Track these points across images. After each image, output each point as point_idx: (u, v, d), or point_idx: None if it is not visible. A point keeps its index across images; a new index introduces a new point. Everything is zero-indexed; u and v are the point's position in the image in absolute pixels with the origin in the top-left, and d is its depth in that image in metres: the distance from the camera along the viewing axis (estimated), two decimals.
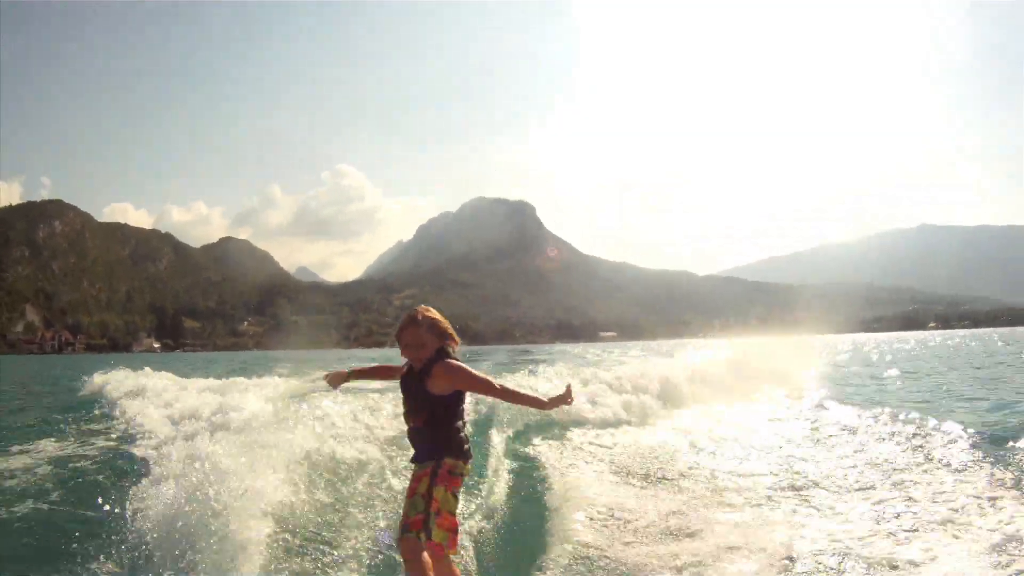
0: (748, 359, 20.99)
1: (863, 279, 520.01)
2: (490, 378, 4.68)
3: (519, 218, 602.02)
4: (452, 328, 4.72)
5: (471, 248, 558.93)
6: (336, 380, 5.14)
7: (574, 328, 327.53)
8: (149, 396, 13.83)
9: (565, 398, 4.61)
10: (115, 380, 17.02)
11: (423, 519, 4.44)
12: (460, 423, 4.70)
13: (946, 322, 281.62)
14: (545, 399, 4.67)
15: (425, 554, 4.43)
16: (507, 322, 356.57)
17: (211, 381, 16.39)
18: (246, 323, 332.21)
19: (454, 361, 4.57)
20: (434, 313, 4.70)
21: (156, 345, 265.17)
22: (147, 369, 19.01)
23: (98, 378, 18.03)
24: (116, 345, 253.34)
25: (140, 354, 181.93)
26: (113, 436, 10.62)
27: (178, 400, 12.97)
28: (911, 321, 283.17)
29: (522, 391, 4.80)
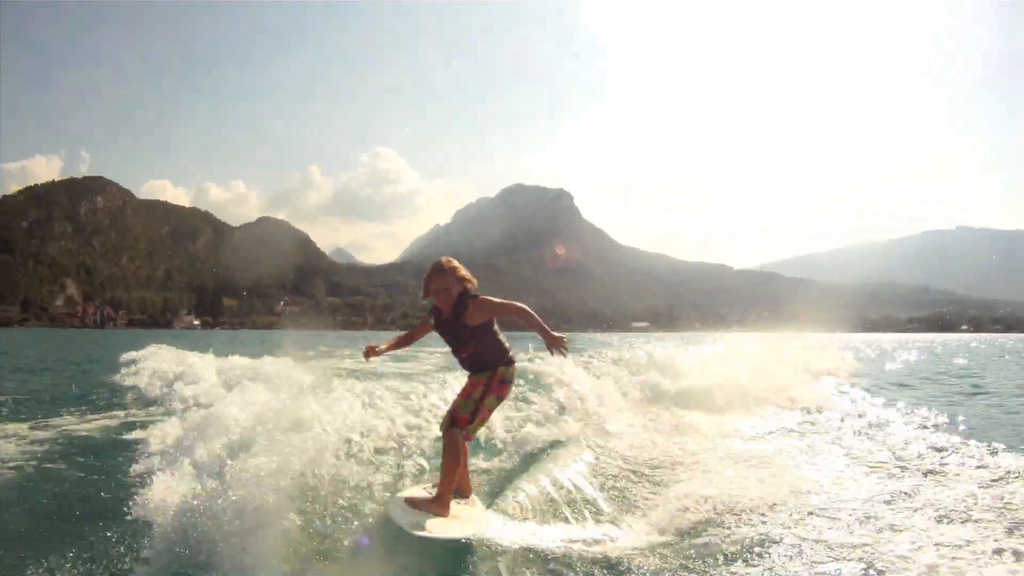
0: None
1: (900, 279, 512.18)
2: (512, 301, 5.62)
3: (556, 206, 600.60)
4: (468, 272, 5.66)
5: (508, 234, 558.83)
6: (376, 352, 5.98)
7: (607, 317, 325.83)
8: (186, 376, 13.29)
9: (562, 344, 5.35)
10: (155, 357, 16.71)
11: (469, 419, 5.60)
12: (499, 337, 5.73)
13: (979, 325, 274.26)
14: (551, 333, 5.41)
15: (462, 446, 5.66)
16: (540, 309, 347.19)
17: (247, 360, 15.69)
18: (283, 303, 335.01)
19: (481, 297, 5.60)
20: (455, 263, 5.65)
21: (196, 322, 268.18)
22: (188, 354, 17.94)
23: (137, 354, 17.62)
24: (156, 321, 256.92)
25: (181, 331, 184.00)
26: (141, 414, 10.39)
27: (209, 378, 12.50)
28: (944, 323, 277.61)
29: (537, 317, 5.51)
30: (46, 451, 7.71)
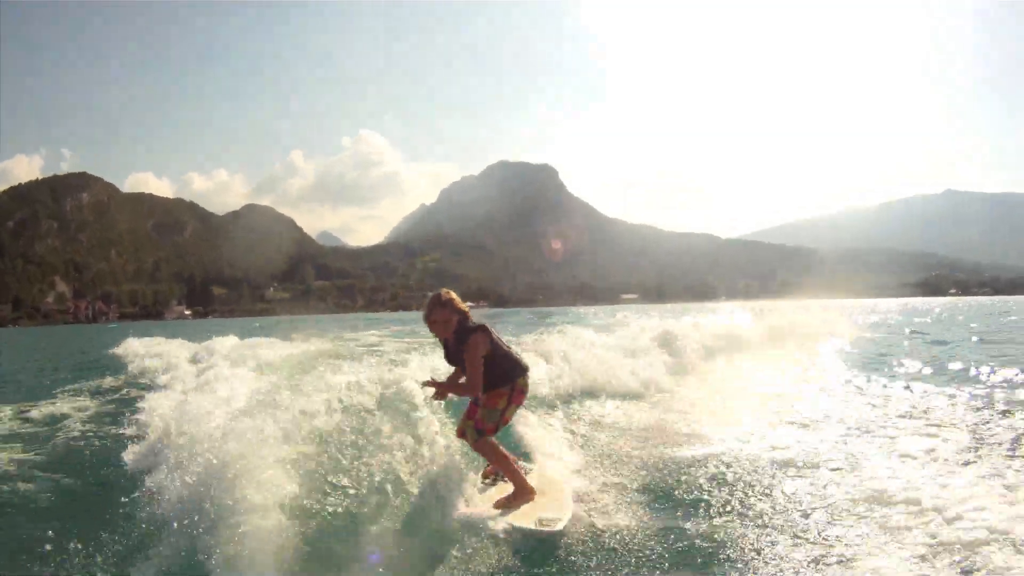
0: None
1: (887, 244, 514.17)
2: (476, 378, 5.82)
3: (542, 181, 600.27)
4: (464, 305, 6.03)
5: (494, 212, 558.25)
6: (438, 386, 6.05)
7: (596, 291, 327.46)
8: (173, 362, 13.59)
9: (442, 394, 6.07)
10: (141, 348, 16.93)
11: (494, 429, 6.02)
12: (507, 352, 6.11)
13: (966, 288, 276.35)
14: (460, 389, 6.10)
15: (495, 446, 6.08)
16: (529, 285, 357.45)
17: (236, 341, 16.30)
18: (272, 289, 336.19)
19: (471, 339, 5.85)
20: (452, 294, 5.99)
21: (187, 312, 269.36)
22: (175, 340, 18.57)
23: (123, 346, 17.74)
24: (148, 313, 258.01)
25: (173, 322, 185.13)
26: (130, 403, 10.20)
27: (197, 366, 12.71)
28: (932, 287, 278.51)
29: (463, 391, 6.08)
30: (38, 447, 7.81)
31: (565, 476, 6.61)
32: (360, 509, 5.37)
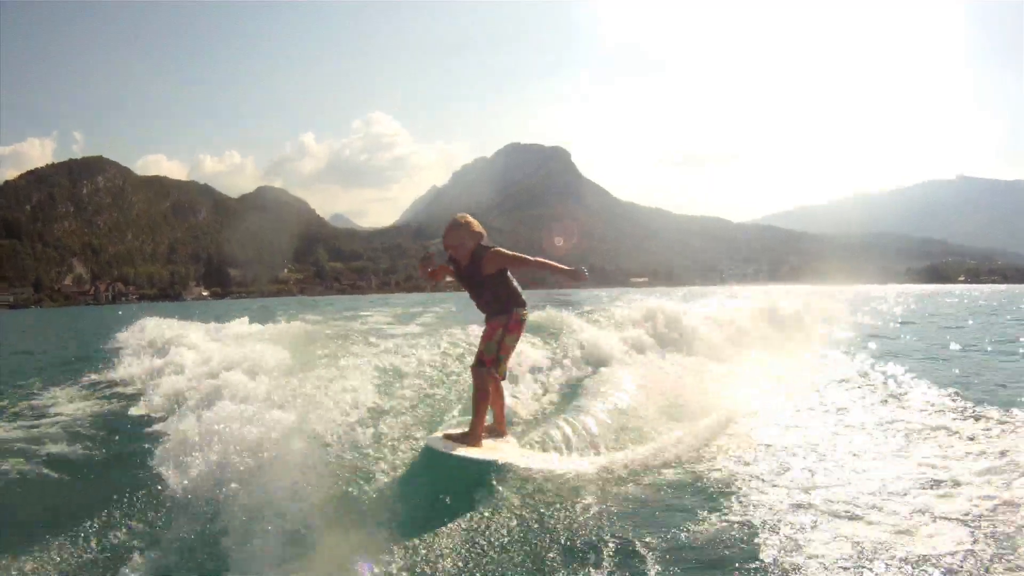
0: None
1: (898, 230, 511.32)
2: (523, 255, 6.34)
3: (554, 164, 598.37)
4: (481, 227, 6.33)
5: (506, 194, 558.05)
6: (433, 270, 6.67)
7: (606, 273, 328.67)
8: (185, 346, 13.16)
9: (581, 275, 6.23)
10: (154, 329, 16.24)
11: (495, 359, 6.23)
12: (513, 284, 6.38)
13: (976, 276, 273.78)
14: (567, 269, 6.24)
15: (490, 385, 6.28)
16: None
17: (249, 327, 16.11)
18: (285, 270, 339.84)
19: (496, 248, 6.22)
20: (469, 218, 6.32)
21: (205, 293, 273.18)
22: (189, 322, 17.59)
23: (134, 329, 16.90)
24: (167, 294, 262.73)
25: (192, 302, 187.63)
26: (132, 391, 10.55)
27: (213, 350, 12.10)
28: (940, 274, 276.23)
29: (549, 262, 6.33)
30: (45, 435, 7.81)
31: (521, 455, 6.22)
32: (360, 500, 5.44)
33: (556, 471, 5.86)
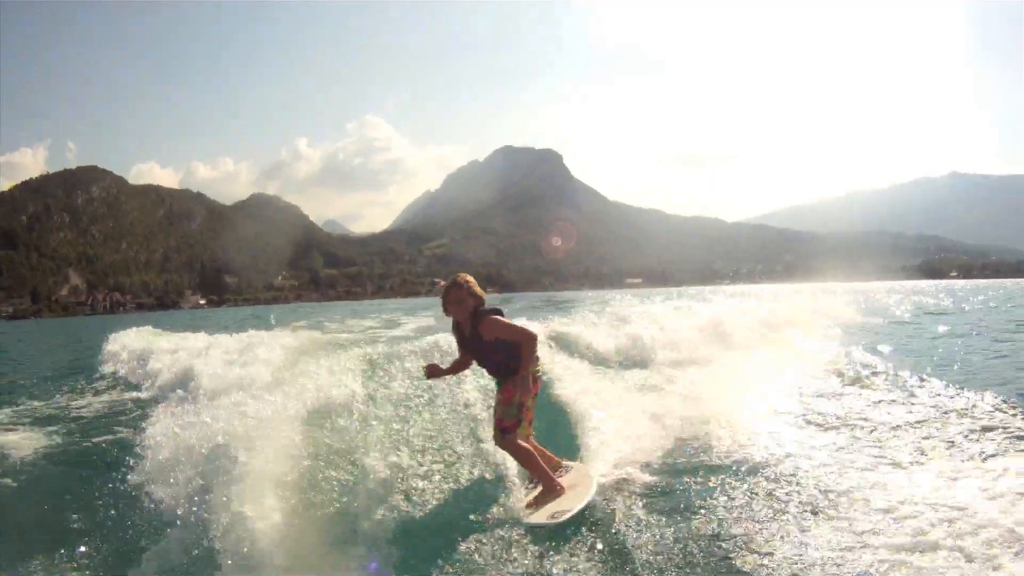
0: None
1: (892, 227, 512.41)
2: (519, 329, 5.97)
3: (546, 167, 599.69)
4: (481, 290, 6.01)
5: (500, 197, 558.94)
6: (436, 373, 6.35)
7: (601, 275, 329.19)
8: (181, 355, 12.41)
9: (523, 394, 5.86)
10: (140, 340, 15.49)
11: (516, 423, 5.91)
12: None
13: (968, 272, 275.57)
14: (523, 378, 5.82)
15: (523, 443, 6.01)
16: (536, 270, 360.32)
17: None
18: (280, 277, 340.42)
19: (495, 317, 5.91)
20: (469, 278, 5.99)
21: (202, 301, 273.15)
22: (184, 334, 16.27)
23: (116, 340, 16.05)
24: (164, 303, 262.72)
25: (190, 311, 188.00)
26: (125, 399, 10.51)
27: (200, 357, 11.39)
28: (933, 271, 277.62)
29: (529, 355, 5.84)
30: (45, 442, 7.76)
31: (602, 468, 6.50)
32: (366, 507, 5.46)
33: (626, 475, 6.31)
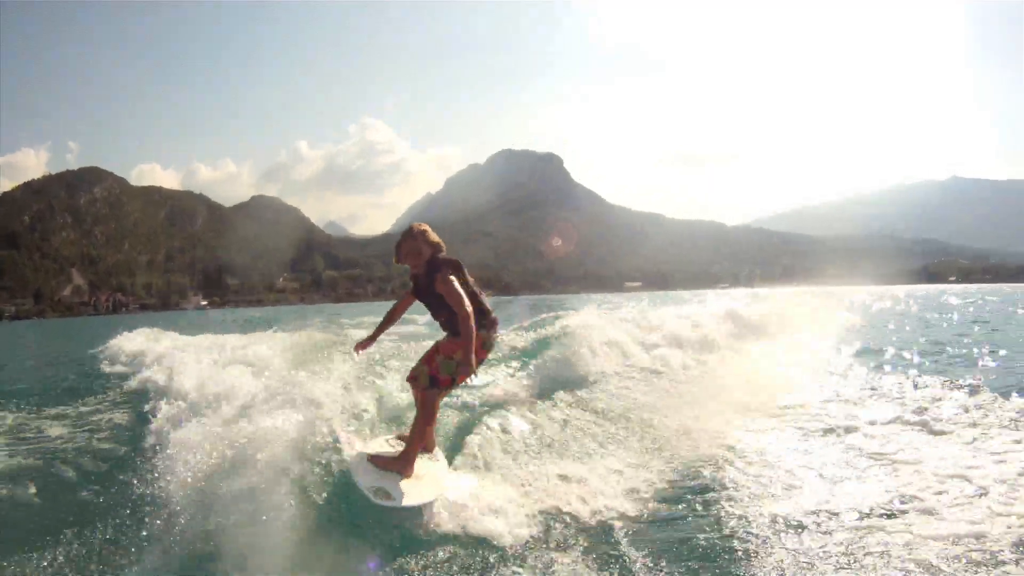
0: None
1: (893, 231, 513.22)
2: (463, 299, 5.33)
3: (547, 170, 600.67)
4: (438, 238, 5.66)
5: (500, 200, 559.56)
6: (364, 345, 6.08)
7: (601, 278, 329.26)
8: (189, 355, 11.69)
9: (467, 371, 5.33)
10: (146, 341, 15.30)
11: (450, 382, 5.57)
12: (479, 299, 5.57)
13: (967, 276, 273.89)
14: (468, 356, 5.22)
15: (436, 405, 5.77)
16: (535, 272, 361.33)
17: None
18: (281, 279, 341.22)
19: (450, 276, 5.39)
20: (426, 227, 5.63)
21: (204, 303, 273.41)
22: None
23: (119, 341, 16.20)
24: (167, 304, 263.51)
25: (193, 311, 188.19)
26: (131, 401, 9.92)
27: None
28: (933, 275, 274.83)
29: (470, 333, 5.23)
30: (44, 445, 7.62)
31: (457, 484, 5.72)
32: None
33: (486, 495, 5.62)
